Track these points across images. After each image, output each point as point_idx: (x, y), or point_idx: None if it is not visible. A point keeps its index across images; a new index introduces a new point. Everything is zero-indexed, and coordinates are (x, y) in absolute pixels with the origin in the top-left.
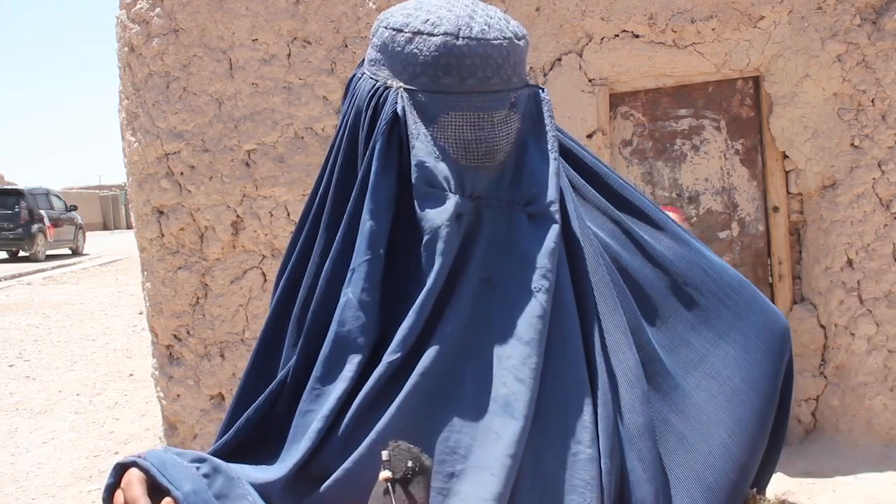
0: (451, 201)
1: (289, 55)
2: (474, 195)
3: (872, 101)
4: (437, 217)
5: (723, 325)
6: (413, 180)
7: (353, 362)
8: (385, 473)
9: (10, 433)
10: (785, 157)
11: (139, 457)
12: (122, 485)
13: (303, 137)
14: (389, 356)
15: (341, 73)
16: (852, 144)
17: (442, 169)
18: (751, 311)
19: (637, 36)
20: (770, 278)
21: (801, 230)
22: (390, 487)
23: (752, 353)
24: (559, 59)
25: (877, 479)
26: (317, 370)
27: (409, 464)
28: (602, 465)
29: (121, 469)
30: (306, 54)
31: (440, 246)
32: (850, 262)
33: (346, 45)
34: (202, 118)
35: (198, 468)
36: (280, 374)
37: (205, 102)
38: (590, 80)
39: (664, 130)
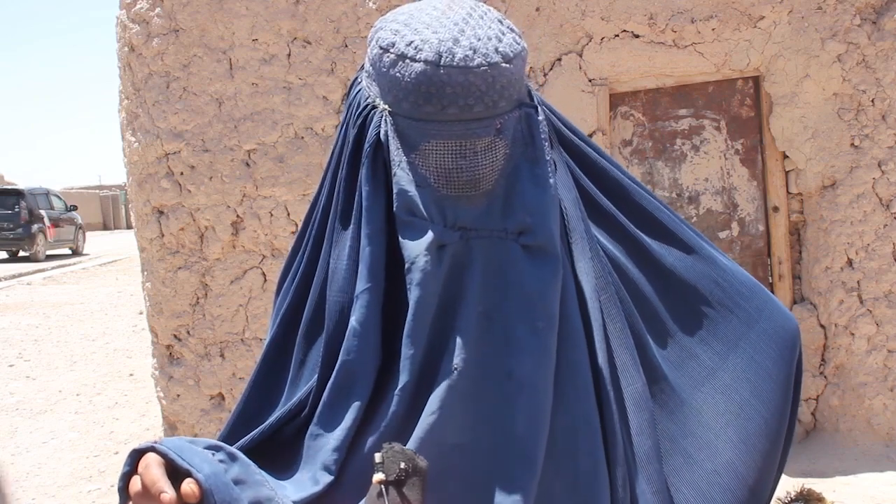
0: (431, 231)
1: (289, 55)
2: (459, 225)
3: (872, 101)
4: (415, 247)
5: (732, 336)
6: (394, 209)
7: (359, 391)
8: (378, 476)
9: (10, 433)
10: (785, 157)
11: (156, 442)
12: (140, 469)
13: (303, 137)
14: (398, 393)
15: (341, 73)
16: (852, 144)
17: (423, 198)
18: (761, 317)
19: (637, 36)
20: (770, 278)
21: (801, 230)
22: (384, 490)
23: (762, 364)
24: (559, 59)
25: (877, 479)
26: (326, 395)
27: (403, 465)
28: (616, 495)
29: (137, 455)
30: (306, 54)
31: (417, 276)
32: (850, 262)
33: (346, 45)
34: (202, 118)
35: (213, 454)
36: (300, 393)
37: (205, 102)
38: (590, 80)
39: (664, 130)
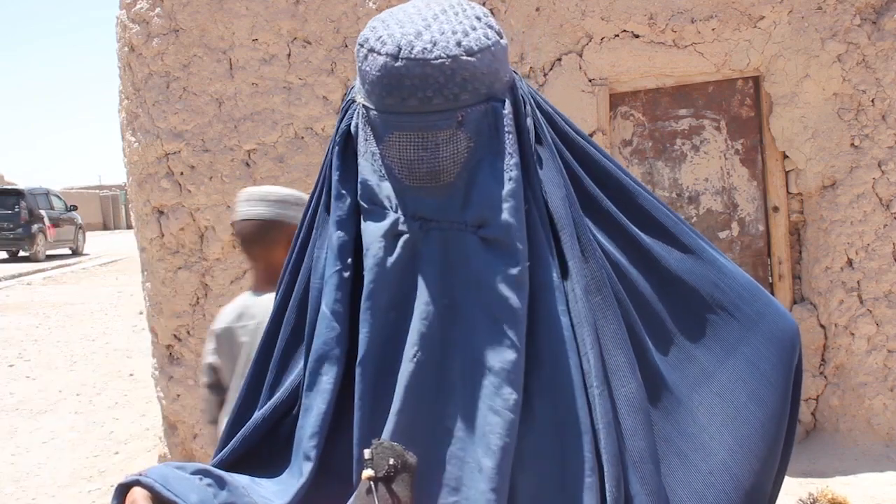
0: (388, 220)
1: (289, 55)
2: (418, 216)
3: (872, 101)
4: (373, 234)
5: (732, 339)
6: (358, 197)
7: (329, 374)
8: (367, 472)
9: (10, 433)
10: (785, 157)
11: (140, 475)
12: None
13: (303, 137)
14: (357, 365)
15: (341, 73)
16: (852, 144)
17: (384, 188)
18: (761, 321)
19: (637, 36)
20: (770, 278)
21: (801, 230)
22: (372, 486)
23: (760, 367)
24: (559, 59)
25: (877, 479)
26: (304, 381)
27: (391, 462)
28: (608, 494)
29: (123, 490)
30: (306, 54)
31: (369, 262)
32: (850, 262)
33: (346, 45)
34: (202, 118)
35: (201, 479)
36: (282, 389)
37: (205, 102)
38: (590, 80)
39: (664, 130)
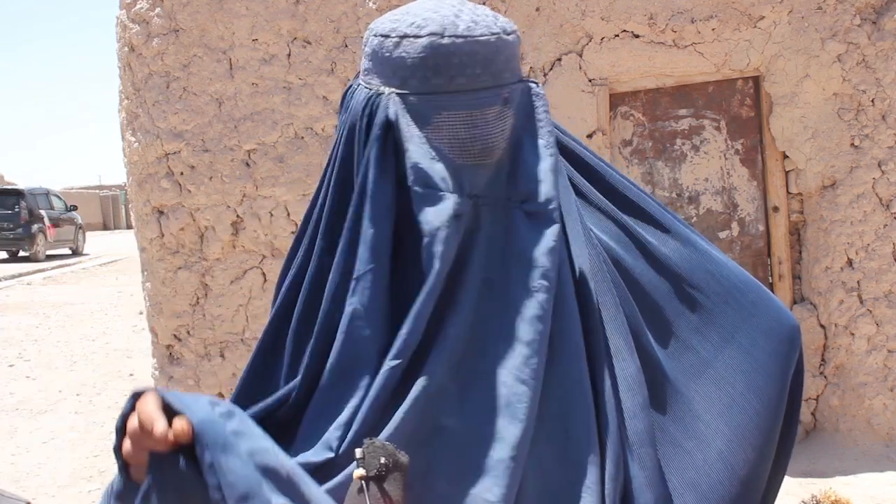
0: (450, 201)
1: (289, 55)
2: (473, 194)
3: (872, 101)
4: (435, 218)
5: (728, 329)
6: (409, 183)
7: (365, 372)
8: (359, 471)
9: (10, 433)
10: (785, 157)
11: (155, 388)
12: (138, 406)
13: (303, 137)
14: (389, 362)
15: (341, 73)
16: (852, 144)
17: (438, 169)
18: (758, 312)
19: (637, 36)
20: (770, 278)
21: (801, 230)
22: (364, 485)
23: (757, 358)
24: (559, 59)
25: (877, 479)
26: (325, 379)
27: (383, 461)
28: (607, 472)
29: (137, 398)
30: (306, 54)
31: (439, 248)
32: (850, 262)
33: (346, 45)
34: (202, 118)
35: (213, 406)
36: (292, 383)
37: (205, 102)
38: (590, 80)
39: (664, 130)
